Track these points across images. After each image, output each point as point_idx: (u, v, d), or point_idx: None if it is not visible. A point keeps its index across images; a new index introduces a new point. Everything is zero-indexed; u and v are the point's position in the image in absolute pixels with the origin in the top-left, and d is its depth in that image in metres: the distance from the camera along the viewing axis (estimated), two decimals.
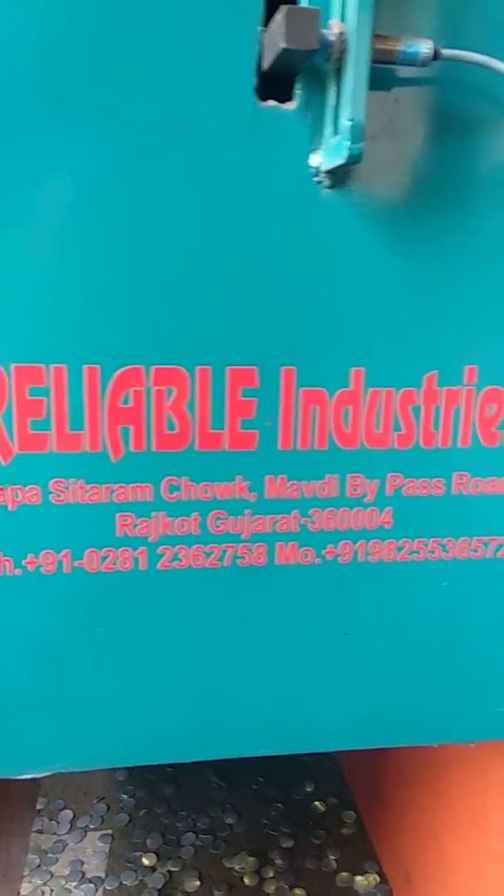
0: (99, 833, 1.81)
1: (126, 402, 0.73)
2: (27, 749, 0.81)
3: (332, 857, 1.73)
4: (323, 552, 0.79)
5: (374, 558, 0.80)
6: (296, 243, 0.71)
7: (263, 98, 0.67)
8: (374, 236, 0.72)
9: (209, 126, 0.67)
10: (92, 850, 1.75)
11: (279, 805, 1.87)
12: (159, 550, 0.77)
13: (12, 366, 0.70)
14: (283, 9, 0.58)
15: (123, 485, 0.74)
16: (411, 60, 0.63)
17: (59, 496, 0.74)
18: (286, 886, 1.65)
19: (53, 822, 1.83)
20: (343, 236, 0.71)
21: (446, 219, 0.72)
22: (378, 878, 1.68)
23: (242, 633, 0.80)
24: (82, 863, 1.72)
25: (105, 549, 0.76)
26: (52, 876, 1.68)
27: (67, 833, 1.80)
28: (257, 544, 0.78)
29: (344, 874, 1.69)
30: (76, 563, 0.76)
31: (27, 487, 0.73)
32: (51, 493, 0.73)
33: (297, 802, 1.90)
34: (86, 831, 1.81)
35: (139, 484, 0.75)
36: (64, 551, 0.75)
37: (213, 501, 0.76)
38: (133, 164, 0.67)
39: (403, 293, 0.74)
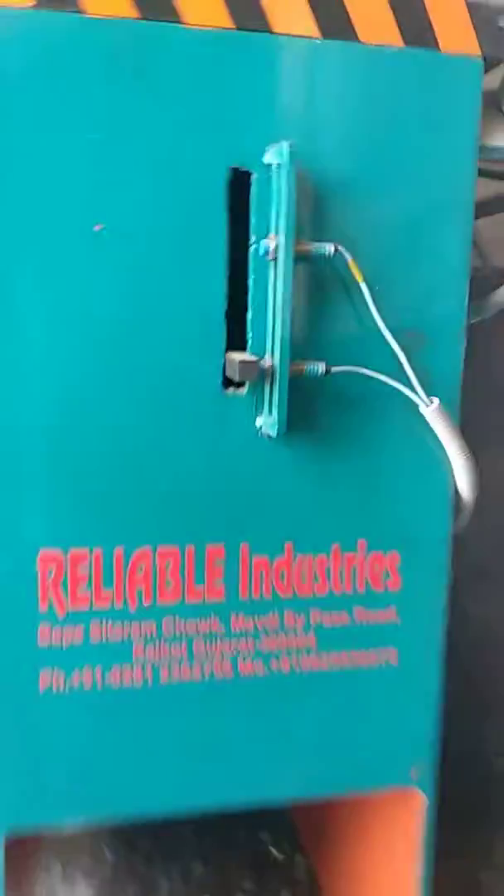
0: (86, 883, 2.11)
1: (140, 571, 1.12)
2: (73, 805, 1.17)
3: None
4: (270, 665, 1.19)
5: (304, 668, 1.20)
6: (249, 471, 1.13)
7: (226, 387, 1.10)
8: (299, 464, 1.14)
9: (195, 403, 1.09)
10: None
11: (241, 853, 2.20)
12: (161, 669, 1.15)
13: (70, 550, 1.09)
14: (236, 359, 1.01)
15: (137, 624, 1.13)
16: (313, 375, 1.07)
17: (95, 635, 1.12)
18: None
19: (47, 873, 2.12)
20: (279, 465, 1.13)
21: (343, 448, 1.15)
22: None
23: (217, 723, 1.19)
24: None
25: (125, 668, 1.14)
26: None
27: (60, 883, 2.09)
28: (226, 662, 1.17)
29: None
30: (106, 679, 1.13)
31: (75, 629, 1.11)
32: (90, 633, 1.12)
33: (256, 851, 2.23)
34: (74, 882, 2.11)
35: (148, 623, 1.14)
36: (98, 670, 1.13)
37: (196, 634, 1.15)
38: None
39: (318, 497, 1.16)
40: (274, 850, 2.23)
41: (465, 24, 1.07)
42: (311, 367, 1.07)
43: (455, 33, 1.07)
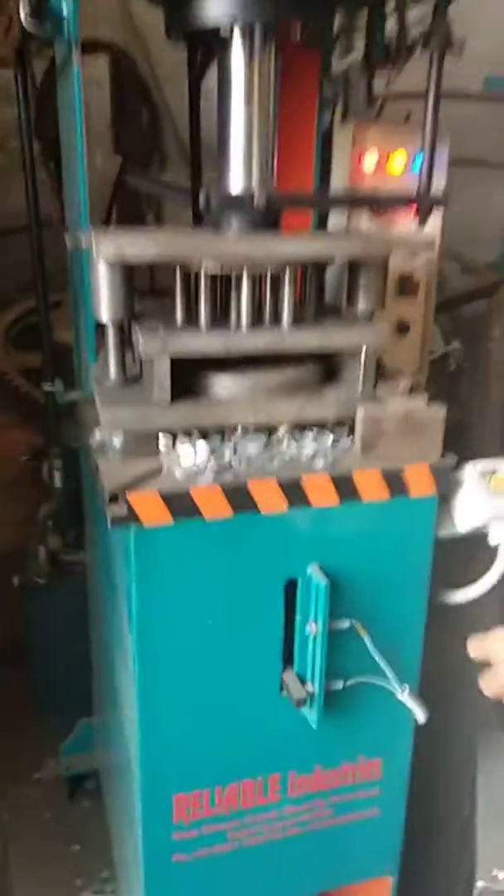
0: None
1: (231, 795, 1.86)
2: None
3: None
4: (305, 828, 1.97)
5: (324, 826, 1.99)
6: (296, 732, 1.86)
7: (281, 690, 1.81)
8: (327, 725, 1.87)
9: (265, 698, 1.80)
10: None
11: None
12: (243, 840, 1.92)
13: (191, 791, 1.82)
14: (293, 692, 1.72)
15: (230, 822, 1.89)
16: (337, 689, 1.79)
17: (205, 831, 1.87)
18: None
19: None
20: (315, 730, 1.86)
21: (350, 716, 1.89)
22: None
23: (275, 860, 1.98)
24: None
25: (223, 844, 1.90)
26: None
27: None
28: (279, 831, 1.95)
29: None
30: (213, 851, 1.90)
31: (193, 830, 1.86)
32: (202, 830, 1.87)
33: None
34: None
35: (235, 820, 1.89)
36: (207, 848, 1.89)
37: (263, 820, 1.92)
38: None
39: (337, 739, 1.90)
40: None
41: (428, 478, 1.73)
42: (336, 685, 1.79)
43: (420, 484, 1.73)
